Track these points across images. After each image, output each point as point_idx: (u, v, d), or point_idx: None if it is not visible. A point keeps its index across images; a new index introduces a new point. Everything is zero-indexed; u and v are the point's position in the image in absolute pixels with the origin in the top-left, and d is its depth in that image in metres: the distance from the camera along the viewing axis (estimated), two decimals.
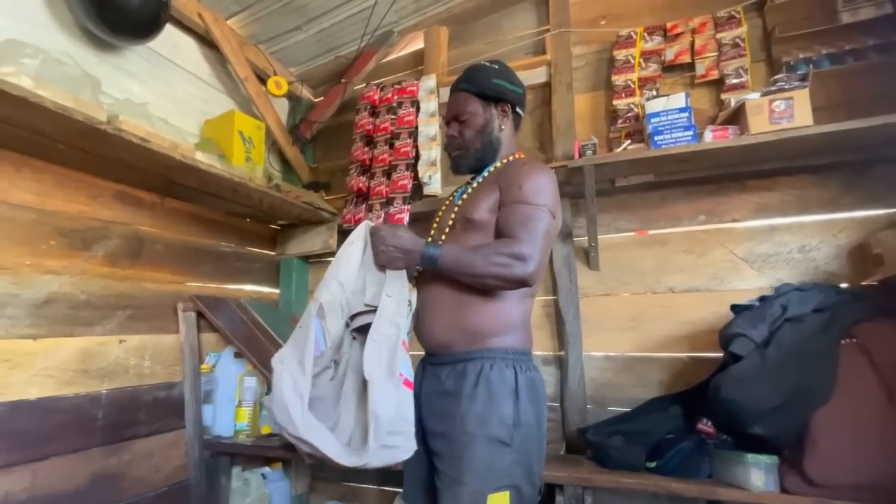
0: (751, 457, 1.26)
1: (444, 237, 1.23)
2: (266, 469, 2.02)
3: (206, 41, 2.10)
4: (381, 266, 1.15)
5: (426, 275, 1.20)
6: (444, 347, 1.16)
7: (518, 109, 1.30)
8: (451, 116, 1.30)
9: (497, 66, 1.30)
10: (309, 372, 1.04)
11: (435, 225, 1.32)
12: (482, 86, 1.26)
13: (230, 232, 2.16)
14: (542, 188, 1.13)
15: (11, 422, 1.34)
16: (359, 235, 1.19)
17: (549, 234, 1.13)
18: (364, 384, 1.03)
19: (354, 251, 1.17)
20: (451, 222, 1.24)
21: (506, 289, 1.10)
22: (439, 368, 1.16)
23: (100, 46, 1.68)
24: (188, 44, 2.07)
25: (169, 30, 1.82)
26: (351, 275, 1.16)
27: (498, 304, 1.13)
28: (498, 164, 1.27)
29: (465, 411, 1.05)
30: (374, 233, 1.16)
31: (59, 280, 1.49)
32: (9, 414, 1.33)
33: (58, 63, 1.37)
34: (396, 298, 1.11)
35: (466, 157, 1.28)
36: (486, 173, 1.27)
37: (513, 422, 1.05)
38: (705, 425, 1.42)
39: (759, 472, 1.25)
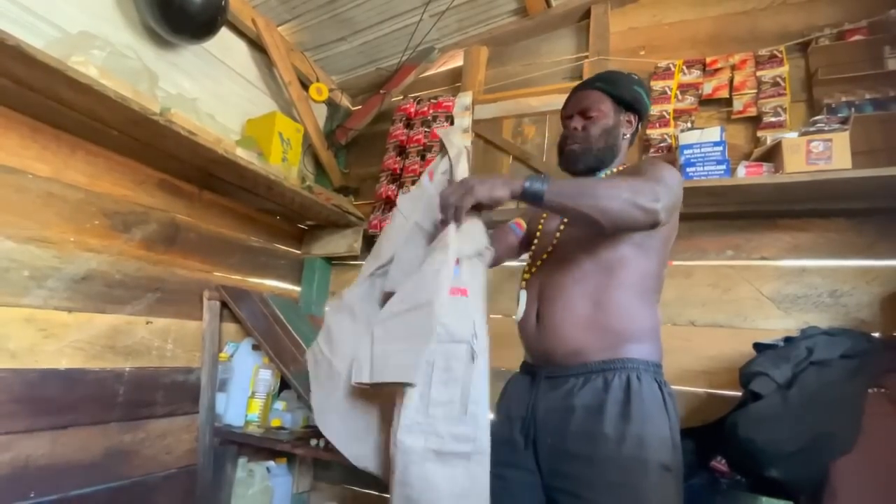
0: (766, 500, 1.21)
1: (558, 234, 1.15)
2: (271, 463, 2.04)
3: (256, 45, 2.21)
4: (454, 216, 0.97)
5: (545, 268, 1.12)
6: (575, 355, 1.02)
7: (640, 125, 1.23)
8: (578, 111, 1.19)
9: (636, 77, 1.23)
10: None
11: (541, 223, 1.24)
12: (621, 89, 1.17)
13: (260, 228, 2.23)
14: (666, 176, 1.00)
15: (40, 389, 1.40)
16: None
17: (677, 200, 1.01)
18: None
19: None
20: (566, 219, 1.16)
21: (632, 225, 0.93)
22: (563, 381, 1.03)
23: (159, 44, 1.79)
24: (239, 46, 2.18)
25: (223, 32, 1.93)
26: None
27: (634, 305, 1.02)
28: (614, 169, 1.18)
29: (619, 431, 0.92)
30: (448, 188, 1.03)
31: (98, 258, 1.56)
32: (39, 381, 1.40)
33: (122, 56, 1.47)
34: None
35: (587, 153, 1.16)
36: (602, 175, 1.18)
37: (672, 444, 0.94)
38: (719, 463, 1.37)
39: None
